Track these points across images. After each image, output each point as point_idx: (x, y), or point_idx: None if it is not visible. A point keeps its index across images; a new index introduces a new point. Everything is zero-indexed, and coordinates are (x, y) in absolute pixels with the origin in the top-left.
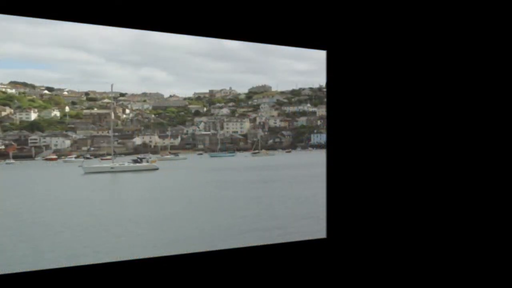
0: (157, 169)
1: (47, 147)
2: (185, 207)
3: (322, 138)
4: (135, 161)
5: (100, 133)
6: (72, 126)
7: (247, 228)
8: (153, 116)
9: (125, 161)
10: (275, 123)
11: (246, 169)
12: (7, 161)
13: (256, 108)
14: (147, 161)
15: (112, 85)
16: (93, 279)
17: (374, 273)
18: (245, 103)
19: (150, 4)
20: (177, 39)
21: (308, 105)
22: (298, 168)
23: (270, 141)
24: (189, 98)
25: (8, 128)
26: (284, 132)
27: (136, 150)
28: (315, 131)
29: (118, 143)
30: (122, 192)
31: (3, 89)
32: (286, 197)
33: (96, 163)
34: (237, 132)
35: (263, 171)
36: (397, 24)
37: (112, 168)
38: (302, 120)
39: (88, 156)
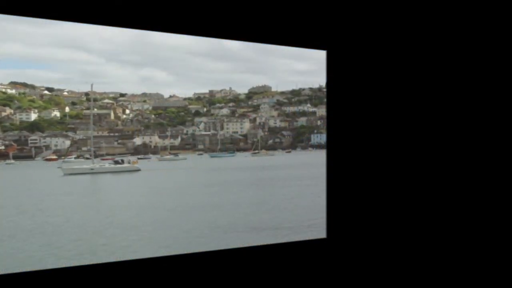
0: (138, 170)
1: (47, 147)
2: (145, 216)
3: (322, 138)
4: (116, 162)
5: (100, 133)
6: (72, 126)
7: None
8: (153, 116)
9: (106, 162)
10: (275, 123)
11: (240, 170)
12: (7, 161)
13: (256, 108)
14: (129, 162)
15: (92, 85)
16: (93, 279)
17: (374, 273)
18: (245, 103)
19: (150, 4)
20: (177, 39)
21: (308, 105)
22: (297, 168)
23: (270, 141)
24: (189, 98)
25: (8, 128)
26: (284, 132)
27: (136, 150)
28: (315, 131)
29: (118, 143)
30: (88, 197)
31: (3, 90)
32: (272, 201)
33: (76, 165)
34: (237, 132)
35: (257, 172)
36: (397, 24)
37: (92, 169)
38: (302, 120)
39: (88, 156)
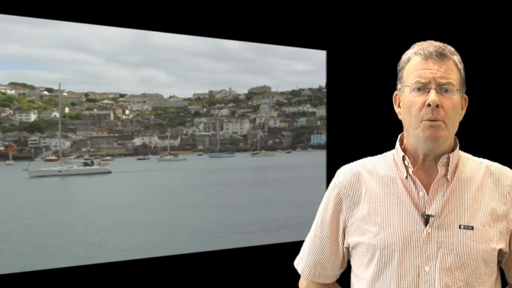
0: (109, 172)
1: (47, 148)
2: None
3: (322, 138)
4: (85, 164)
5: (100, 134)
6: (72, 127)
7: None
8: (152, 116)
9: (74, 164)
10: (275, 123)
11: (231, 171)
12: (7, 162)
13: (256, 108)
14: (99, 164)
15: (60, 84)
16: (93, 279)
17: None
18: (244, 103)
19: (150, 4)
20: (177, 39)
21: (308, 105)
22: (292, 169)
23: (270, 142)
24: (188, 99)
25: (7, 129)
26: (283, 133)
27: (136, 151)
28: (315, 131)
29: (118, 144)
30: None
31: (3, 90)
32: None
33: (44, 167)
34: (236, 132)
35: (249, 172)
36: (396, 24)
37: (59, 171)
38: (302, 121)
39: (87, 157)
